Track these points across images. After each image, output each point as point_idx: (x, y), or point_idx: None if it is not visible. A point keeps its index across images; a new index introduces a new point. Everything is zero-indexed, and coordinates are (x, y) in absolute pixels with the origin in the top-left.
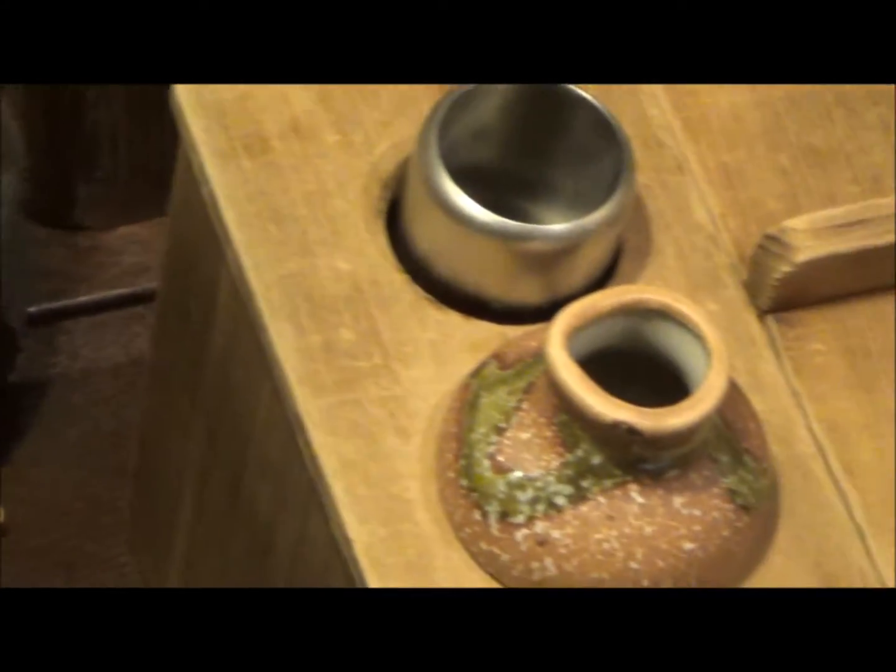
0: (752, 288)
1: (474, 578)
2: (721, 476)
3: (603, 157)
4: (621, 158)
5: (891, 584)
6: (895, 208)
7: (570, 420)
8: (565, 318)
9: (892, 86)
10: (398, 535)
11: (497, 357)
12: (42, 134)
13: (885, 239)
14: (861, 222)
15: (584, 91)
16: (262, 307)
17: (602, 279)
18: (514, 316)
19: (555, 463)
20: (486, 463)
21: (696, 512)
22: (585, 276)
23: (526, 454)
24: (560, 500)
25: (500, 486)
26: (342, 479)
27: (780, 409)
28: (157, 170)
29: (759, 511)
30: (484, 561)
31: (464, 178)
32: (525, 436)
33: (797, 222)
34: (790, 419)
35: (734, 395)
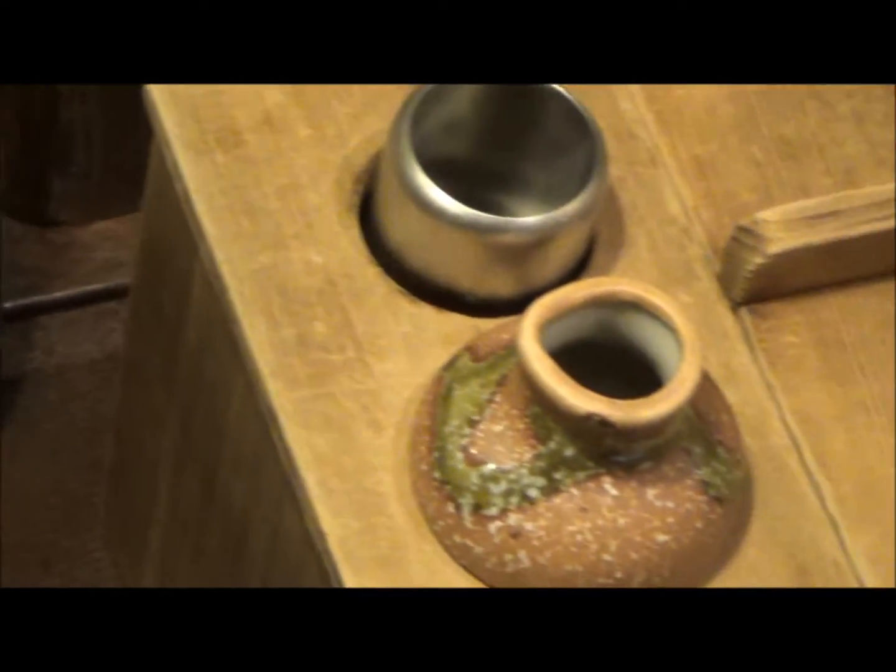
0: (725, 280)
1: (448, 571)
2: (694, 468)
3: (575, 150)
4: (594, 151)
5: (864, 576)
6: (867, 200)
7: (543, 412)
8: (538, 311)
9: None
10: (372, 528)
11: (470, 349)
12: (16, 130)
13: (858, 230)
14: (834, 214)
15: (556, 84)
16: (235, 301)
17: (575, 271)
18: (488, 308)
19: (528, 455)
20: (460, 455)
21: (670, 504)
22: (558, 268)
23: (499, 446)
24: (533, 493)
25: (474, 478)
26: (315, 472)
27: (753, 400)
28: (131, 166)
29: (733, 503)
30: (457, 553)
31: (436, 172)
32: (498, 428)
33: (770, 214)
34: (763, 411)
35: (707, 387)
